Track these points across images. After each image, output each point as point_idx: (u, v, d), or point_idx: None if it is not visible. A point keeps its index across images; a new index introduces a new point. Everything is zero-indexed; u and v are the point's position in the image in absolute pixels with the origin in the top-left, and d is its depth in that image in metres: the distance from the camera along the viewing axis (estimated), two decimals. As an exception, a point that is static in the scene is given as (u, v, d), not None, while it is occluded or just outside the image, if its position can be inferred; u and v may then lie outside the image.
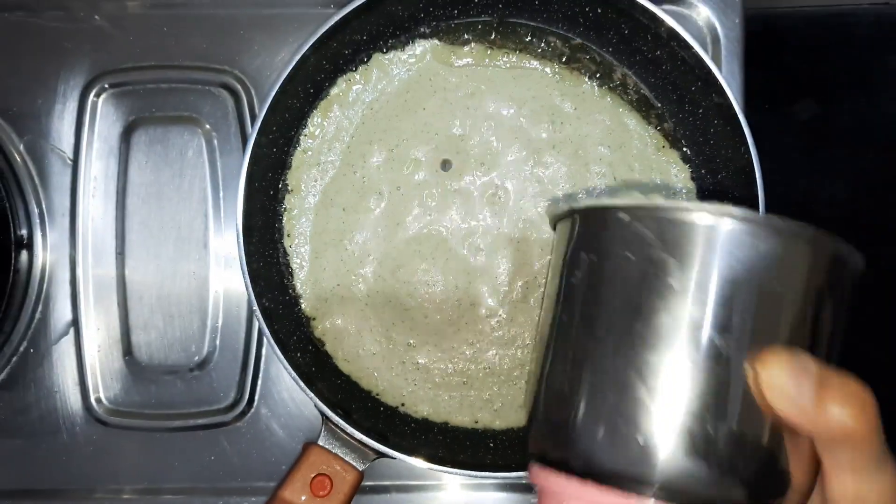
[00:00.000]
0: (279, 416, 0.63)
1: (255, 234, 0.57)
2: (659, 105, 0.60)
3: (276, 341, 0.54)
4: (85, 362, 0.62)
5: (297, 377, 0.54)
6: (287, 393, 0.63)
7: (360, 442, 0.54)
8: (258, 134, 0.54)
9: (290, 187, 0.60)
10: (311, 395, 0.54)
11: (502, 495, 0.63)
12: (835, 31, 0.75)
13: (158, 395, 0.62)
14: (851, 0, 0.73)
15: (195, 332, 0.63)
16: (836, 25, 0.75)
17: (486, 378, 0.60)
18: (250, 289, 0.54)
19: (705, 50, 0.57)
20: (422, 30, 0.60)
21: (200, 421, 0.62)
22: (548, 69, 0.60)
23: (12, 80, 0.62)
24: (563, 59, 0.61)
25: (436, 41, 0.60)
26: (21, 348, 0.62)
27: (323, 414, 0.54)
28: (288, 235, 0.60)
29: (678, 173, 0.60)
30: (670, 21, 0.54)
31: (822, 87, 0.76)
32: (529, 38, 0.61)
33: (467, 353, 0.60)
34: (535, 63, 0.61)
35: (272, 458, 0.62)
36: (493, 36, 0.61)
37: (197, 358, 0.63)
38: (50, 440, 0.62)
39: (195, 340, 0.63)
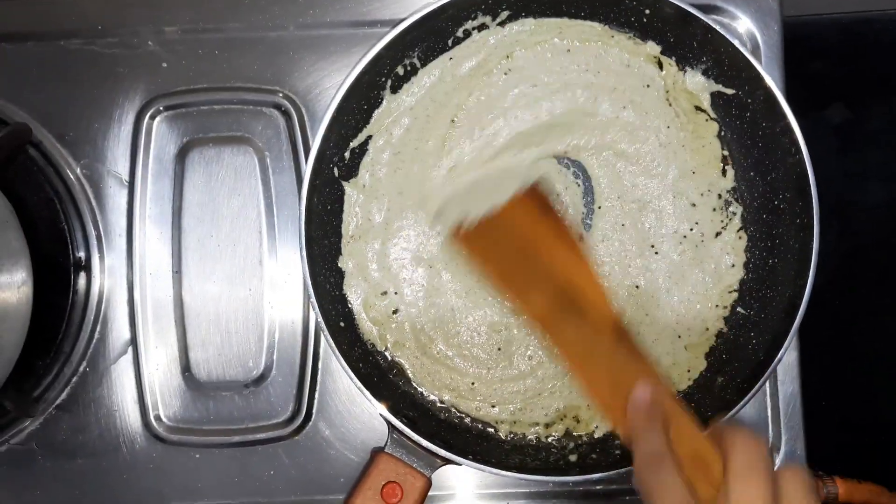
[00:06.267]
0: (337, 429, 0.63)
1: (315, 247, 0.58)
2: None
3: (340, 352, 0.55)
4: (143, 380, 0.63)
5: (361, 386, 0.55)
6: (344, 406, 0.63)
7: (426, 449, 0.54)
8: (318, 150, 0.56)
9: (347, 197, 0.61)
10: (378, 403, 0.54)
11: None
12: (863, 37, 0.76)
13: (217, 412, 0.63)
14: (879, 6, 0.75)
15: (252, 348, 0.63)
16: (864, 31, 0.76)
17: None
18: (314, 299, 0.55)
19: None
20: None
21: (259, 436, 0.63)
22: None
23: (69, 106, 0.64)
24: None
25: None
26: (80, 368, 0.63)
27: (389, 422, 0.55)
28: (350, 237, 0.61)
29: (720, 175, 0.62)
30: (719, 29, 0.55)
31: (852, 92, 0.77)
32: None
33: (527, 355, 0.61)
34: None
35: (331, 471, 0.63)
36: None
37: (254, 373, 0.63)
38: (110, 459, 0.63)
39: (252, 356, 0.63)
